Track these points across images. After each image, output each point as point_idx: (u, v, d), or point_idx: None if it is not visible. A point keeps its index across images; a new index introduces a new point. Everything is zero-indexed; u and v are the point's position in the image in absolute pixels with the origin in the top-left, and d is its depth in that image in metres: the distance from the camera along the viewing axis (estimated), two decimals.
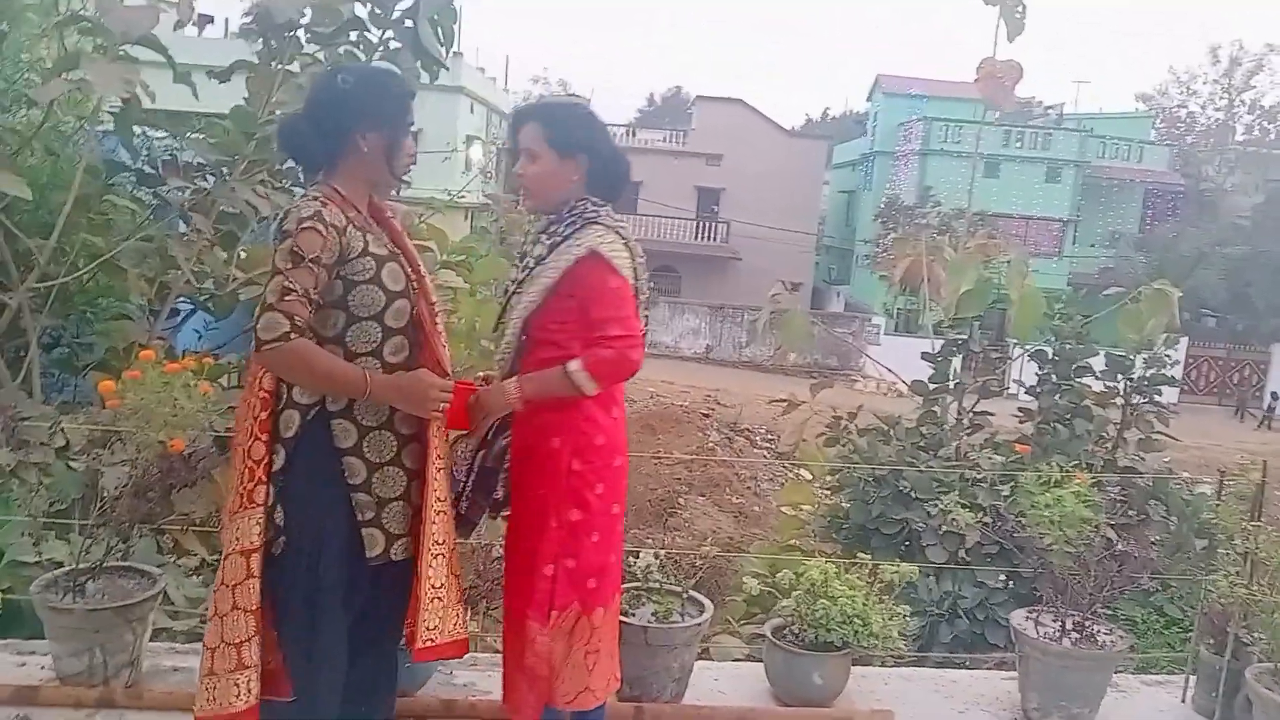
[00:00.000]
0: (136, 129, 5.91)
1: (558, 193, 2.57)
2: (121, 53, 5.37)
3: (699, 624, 3.08)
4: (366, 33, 6.14)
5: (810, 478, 7.35)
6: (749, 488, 17.73)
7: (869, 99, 38.40)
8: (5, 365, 5.72)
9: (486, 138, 28.86)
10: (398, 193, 2.85)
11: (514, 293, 2.55)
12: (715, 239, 34.63)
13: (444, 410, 2.32)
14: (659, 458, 17.08)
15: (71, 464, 5.16)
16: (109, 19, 5.37)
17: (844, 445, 6.65)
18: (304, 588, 2.26)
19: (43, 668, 2.82)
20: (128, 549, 2.91)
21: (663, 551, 3.34)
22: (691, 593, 3.18)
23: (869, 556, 3.74)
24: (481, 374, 2.68)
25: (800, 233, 33.28)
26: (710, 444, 19.72)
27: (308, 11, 6.11)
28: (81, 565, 2.84)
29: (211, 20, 6.65)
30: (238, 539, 2.23)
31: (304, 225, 2.18)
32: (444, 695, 3.03)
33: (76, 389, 6.30)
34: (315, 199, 2.25)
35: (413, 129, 2.42)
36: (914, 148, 32.14)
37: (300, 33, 6.16)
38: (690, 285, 33.35)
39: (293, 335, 2.14)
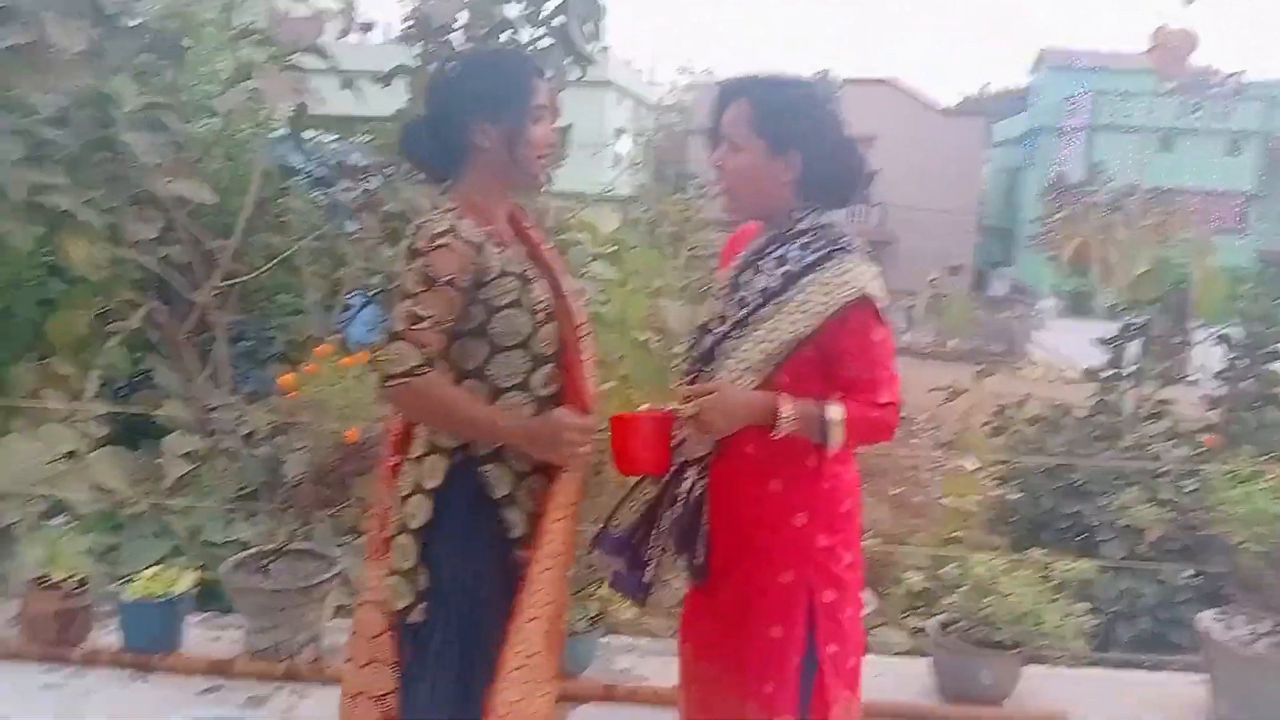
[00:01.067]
0: (307, 134, 6.21)
1: (766, 196, 2.04)
2: (291, 62, 5.66)
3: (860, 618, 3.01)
4: (518, 33, 6.26)
5: (974, 468, 7.11)
6: (908, 477, 17.28)
7: (1031, 73, 36.80)
8: (197, 358, 6.12)
9: (634, 130, 29.07)
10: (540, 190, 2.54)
11: (725, 334, 2.02)
12: (870, 222, 33.89)
13: (583, 454, 1.95)
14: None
15: (255, 451, 5.50)
16: (278, 31, 5.66)
17: (1011, 435, 6.41)
18: (455, 663, 1.96)
19: (235, 641, 3.01)
20: (308, 532, 3.06)
21: None
22: None
23: (1039, 551, 3.59)
24: (674, 406, 2.07)
25: (959, 214, 32.21)
26: None
27: (463, 15, 6.29)
28: (267, 547, 3.00)
29: (373, 26, 6.93)
30: (373, 589, 2.06)
31: (437, 242, 1.87)
32: (605, 679, 3.07)
33: (258, 381, 6.69)
34: (449, 211, 1.93)
35: (546, 114, 2.02)
36: (1081, 122, 30.65)
37: (456, 35, 6.34)
38: None
39: (421, 369, 1.86)
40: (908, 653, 3.81)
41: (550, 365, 2.01)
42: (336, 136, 6.79)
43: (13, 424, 5.07)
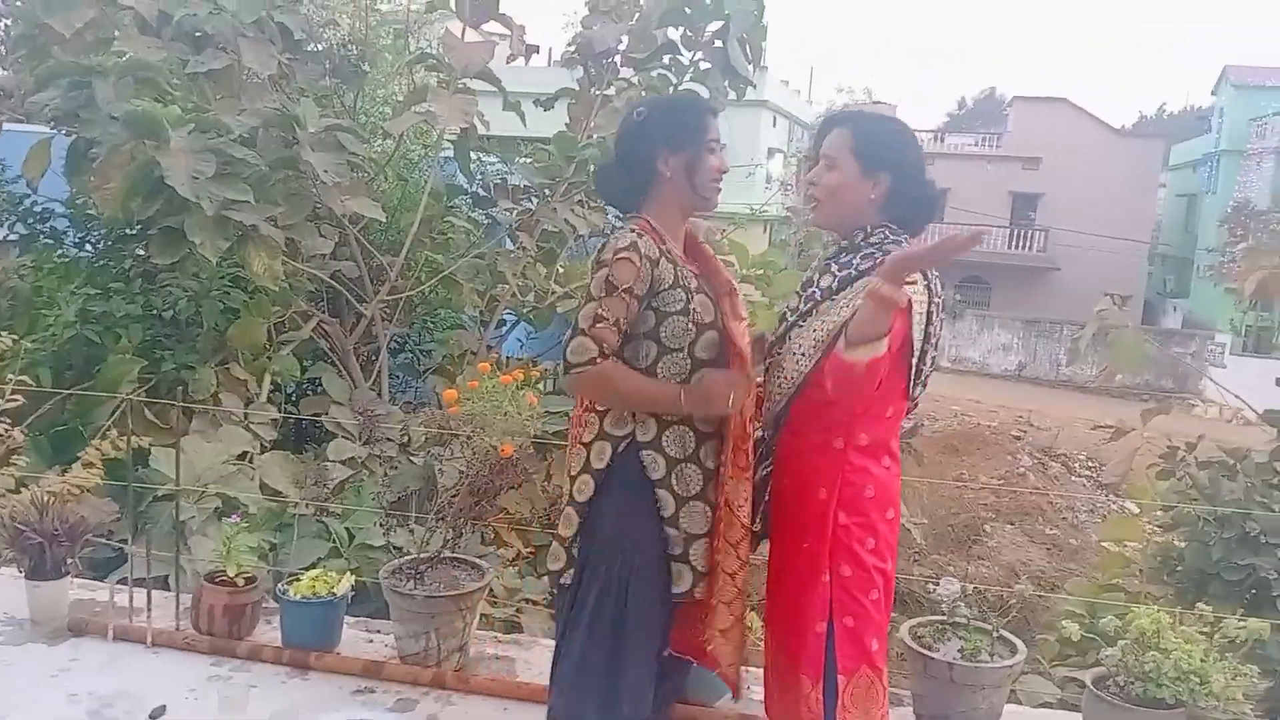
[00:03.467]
0: (472, 155, 6.46)
1: (851, 210, 2.33)
2: (461, 85, 5.91)
3: (1010, 666, 2.90)
4: (679, 56, 6.35)
5: (1138, 512, 6.74)
6: (1064, 519, 16.53)
7: (1214, 92, 34.71)
8: (359, 368, 6.43)
9: (789, 150, 28.93)
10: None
11: (793, 324, 2.35)
12: (1031, 248, 32.64)
13: (736, 399, 2.22)
14: (963, 483, 16.31)
15: (413, 459, 5.73)
16: (451, 56, 5.92)
17: (1180, 479, 6.05)
18: (608, 624, 2.23)
19: (387, 645, 3.14)
20: (458, 541, 3.17)
21: (969, 584, 3.18)
22: (1003, 632, 3.00)
23: (1206, 604, 3.38)
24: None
25: (1130, 241, 30.66)
26: (1021, 469, 18.58)
27: (624, 39, 6.43)
28: (422, 554, 3.12)
29: (538, 50, 7.16)
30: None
31: (619, 255, 2.18)
32: (741, 710, 3.05)
33: (418, 391, 6.96)
34: (632, 230, 2.23)
35: (719, 145, 2.32)
36: (1270, 145, 28.68)
37: (617, 59, 6.49)
38: (1002, 297, 31.63)
39: (599, 360, 2.15)
40: (1059, 705, 3.64)
41: (709, 367, 2.28)
42: (499, 158, 7.02)
43: (194, 424, 5.42)
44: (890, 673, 2.57)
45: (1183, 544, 5.70)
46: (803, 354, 2.28)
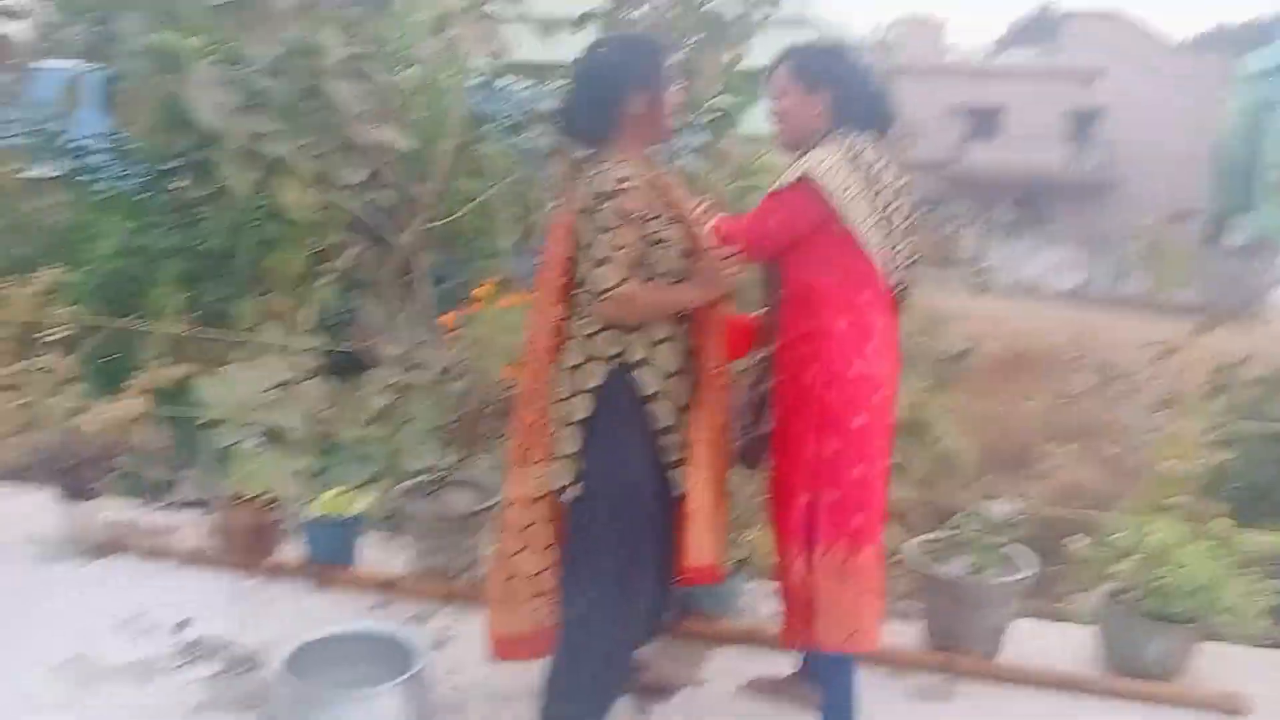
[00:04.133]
0: (502, 81, 6.39)
1: (804, 127, 2.57)
2: (486, 11, 5.83)
3: (1014, 581, 2.90)
4: None
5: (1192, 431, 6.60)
6: (1123, 438, 16.25)
7: None
8: (399, 298, 6.49)
9: None
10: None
11: None
12: (1090, 165, 31.64)
13: (733, 277, 2.43)
14: (1017, 401, 16.07)
15: (451, 386, 5.80)
16: None
17: (1231, 396, 5.91)
18: (616, 530, 2.37)
19: (404, 562, 3.23)
20: (467, 462, 3.23)
21: (1019, 503, 3.16)
22: (1016, 546, 2.99)
23: (1260, 524, 3.30)
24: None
25: (1192, 157, 29.56)
26: (1078, 389, 18.27)
27: None
28: (431, 475, 3.19)
29: None
30: (522, 486, 2.44)
31: (624, 184, 2.30)
32: (747, 624, 3.10)
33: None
34: (620, 163, 2.35)
35: (674, 81, 2.47)
36: None
37: None
38: (1061, 216, 30.80)
39: (623, 283, 2.29)
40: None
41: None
42: (530, 83, 6.94)
43: (234, 355, 5.53)
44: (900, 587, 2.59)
45: (1234, 461, 5.59)
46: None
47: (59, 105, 5.74)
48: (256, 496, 3.25)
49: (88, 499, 3.24)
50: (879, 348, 2.47)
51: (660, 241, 2.36)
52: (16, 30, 6.05)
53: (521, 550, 2.44)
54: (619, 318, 2.37)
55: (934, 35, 31.84)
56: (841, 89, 2.53)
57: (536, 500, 2.43)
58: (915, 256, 2.54)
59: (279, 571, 3.16)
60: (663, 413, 2.38)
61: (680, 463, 2.40)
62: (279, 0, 5.42)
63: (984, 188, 28.97)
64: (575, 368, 2.40)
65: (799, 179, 2.42)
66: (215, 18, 5.57)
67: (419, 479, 3.27)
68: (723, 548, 2.54)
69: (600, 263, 2.30)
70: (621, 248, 2.29)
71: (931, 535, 3.13)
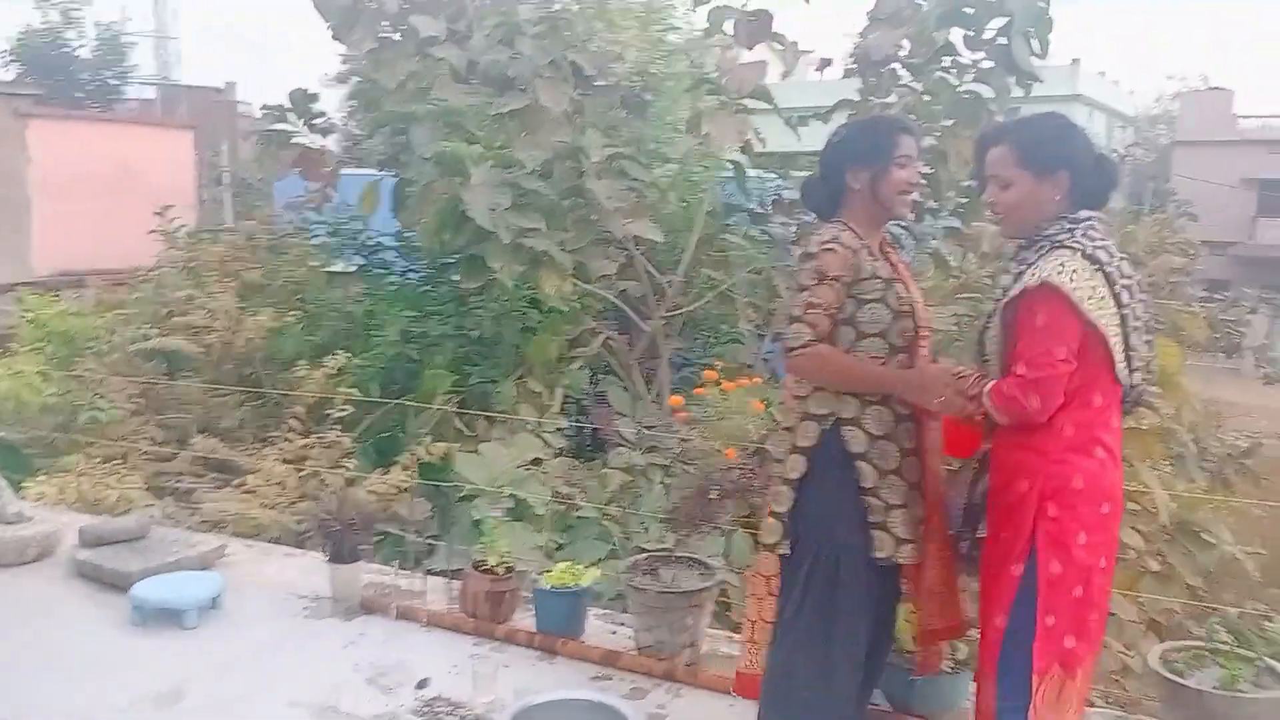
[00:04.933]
0: (751, 173, 6.58)
1: (1036, 216, 2.34)
2: (738, 106, 6.06)
3: (1268, 698, 2.57)
4: (958, 57, 6.14)
5: None
6: None
7: None
8: (643, 381, 6.74)
9: (1108, 143, 26.69)
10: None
11: (985, 326, 2.40)
12: None
13: (945, 402, 2.31)
14: None
15: (687, 467, 5.93)
16: (728, 78, 6.09)
17: None
18: (820, 585, 2.38)
19: (628, 637, 3.31)
20: (688, 541, 3.28)
21: None
22: (1271, 661, 2.67)
23: None
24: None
25: None
26: None
27: (905, 44, 6.30)
28: (657, 551, 3.26)
29: (830, 63, 7.17)
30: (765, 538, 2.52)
31: (825, 246, 2.37)
32: None
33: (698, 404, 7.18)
34: (833, 227, 2.44)
35: (909, 159, 2.46)
36: None
37: (897, 66, 6.37)
38: None
39: (814, 343, 2.33)
40: None
41: (902, 354, 2.44)
42: (776, 174, 7.10)
43: (494, 432, 5.92)
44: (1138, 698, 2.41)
45: None
46: (992, 353, 2.33)
47: (359, 208, 6.45)
48: (497, 565, 3.44)
49: (352, 561, 3.56)
50: (1107, 458, 2.27)
51: (874, 302, 2.38)
52: (326, 142, 6.90)
53: (767, 596, 2.54)
54: (808, 377, 2.42)
55: (1223, 105, 29.51)
56: (1075, 170, 2.29)
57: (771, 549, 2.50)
58: (1151, 360, 2.35)
59: (512, 637, 3.32)
60: (866, 472, 2.37)
61: (882, 525, 2.38)
62: (551, 107, 5.90)
63: (1276, 269, 26.22)
64: (792, 427, 2.46)
65: (1040, 286, 2.17)
66: (494, 126, 6.12)
67: (644, 555, 3.35)
68: (952, 626, 2.53)
69: (793, 320, 2.36)
70: (815, 306, 2.33)
71: (1178, 643, 2.85)
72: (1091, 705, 2.77)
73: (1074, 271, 2.18)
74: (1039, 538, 2.21)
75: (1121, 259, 2.28)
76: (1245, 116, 29.98)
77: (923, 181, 2.56)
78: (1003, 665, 2.25)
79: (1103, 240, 2.26)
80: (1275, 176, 27.83)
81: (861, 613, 2.39)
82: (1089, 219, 2.29)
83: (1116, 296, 2.21)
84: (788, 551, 2.44)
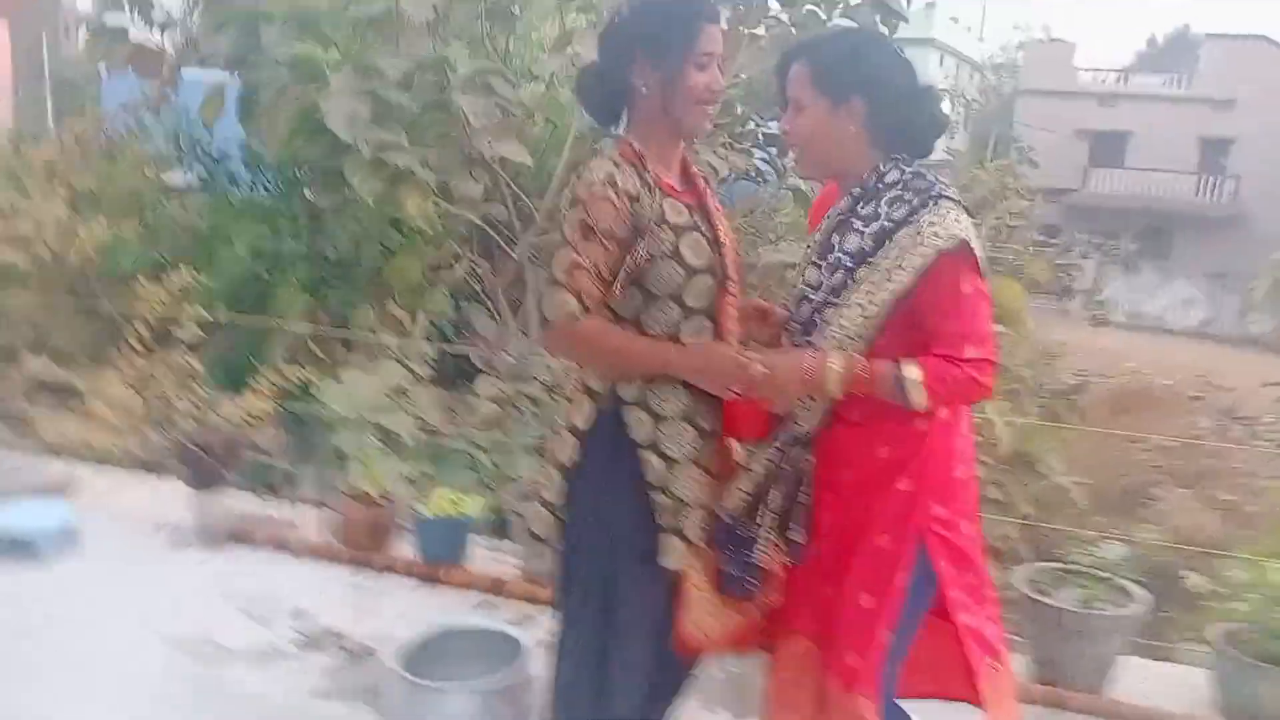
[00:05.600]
0: None
1: (836, 151, 1.95)
2: None
3: (1124, 615, 2.82)
4: None
5: None
6: (1243, 484, 15.54)
7: None
8: (509, 309, 6.65)
9: (955, 90, 27.78)
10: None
11: (825, 301, 1.94)
12: (1220, 197, 30.41)
13: (737, 391, 1.91)
14: (1134, 439, 15.51)
15: (555, 399, 5.92)
16: None
17: None
18: (599, 598, 1.99)
19: (511, 565, 3.32)
20: None
21: (1123, 542, 3.07)
22: (1124, 580, 2.91)
23: None
24: None
25: None
26: (1199, 430, 17.53)
27: None
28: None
29: None
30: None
31: (594, 192, 1.87)
32: None
33: None
34: (609, 159, 1.92)
35: (711, 59, 1.93)
36: None
37: None
38: (1185, 249, 29.64)
39: (581, 315, 1.89)
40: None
41: (701, 318, 1.98)
42: None
43: (353, 358, 5.74)
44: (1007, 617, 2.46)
45: None
46: (846, 336, 1.89)
47: (203, 112, 6.03)
48: (374, 495, 3.37)
49: (214, 490, 3.41)
50: (970, 432, 2.01)
51: (665, 256, 1.91)
52: (164, 39, 6.40)
53: None
54: (569, 359, 2.03)
55: (1064, 57, 31.02)
56: (877, 97, 1.91)
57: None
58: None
59: (392, 567, 3.28)
60: (653, 464, 1.96)
61: (675, 529, 1.97)
62: (413, 14, 5.64)
63: (1106, 217, 28.13)
64: (570, 400, 2.06)
65: (959, 247, 1.82)
66: (352, 31, 5.81)
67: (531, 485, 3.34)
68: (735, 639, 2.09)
69: (552, 282, 1.91)
70: (581, 268, 1.87)
71: (1042, 565, 3.07)
72: None
73: (968, 228, 1.85)
74: (929, 542, 1.91)
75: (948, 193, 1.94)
76: (1084, 69, 31.60)
77: (724, 88, 2.11)
78: (888, 685, 1.95)
79: (953, 189, 1.94)
80: (1107, 128, 29.57)
81: (644, 633, 1.99)
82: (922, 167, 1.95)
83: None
84: (559, 546, 2.06)
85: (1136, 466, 15.29)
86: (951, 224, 1.83)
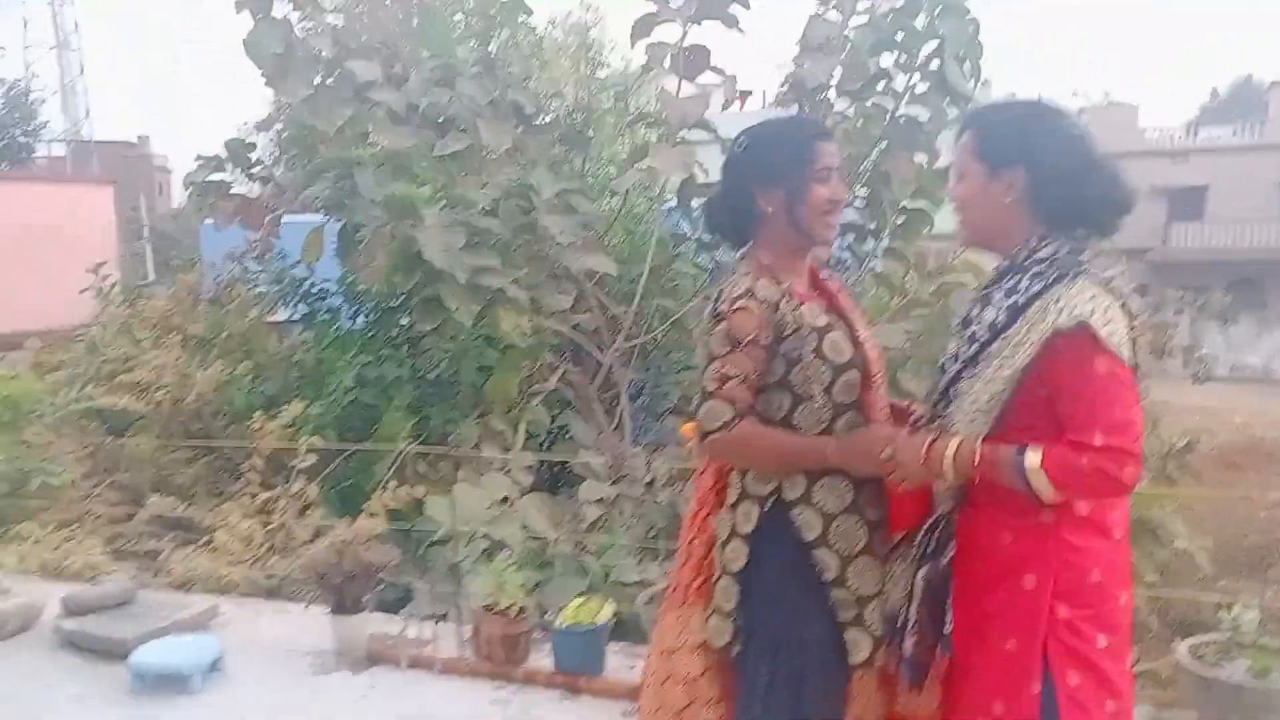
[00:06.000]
0: (695, 203, 6.71)
1: (990, 221, 1.91)
2: (680, 139, 6.18)
3: None
4: (892, 83, 6.36)
5: None
6: None
7: None
8: (603, 413, 6.77)
9: None
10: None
11: (958, 373, 1.89)
12: None
13: (892, 463, 1.89)
14: (1251, 498, 14.89)
15: (658, 497, 5.98)
16: (668, 111, 6.21)
17: None
18: (784, 698, 1.98)
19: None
20: None
21: (1260, 606, 2.96)
22: None
23: None
24: None
25: None
26: None
27: (837, 71, 6.50)
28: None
29: (750, 94, 7.35)
30: (688, 632, 2.14)
31: (736, 306, 1.97)
32: None
33: (657, 432, 7.25)
34: (745, 274, 2.03)
35: (830, 172, 2.04)
36: None
37: (831, 94, 6.56)
38: (1278, 296, 28.79)
39: (736, 421, 1.96)
40: None
41: (852, 412, 2.04)
42: None
43: (459, 473, 5.89)
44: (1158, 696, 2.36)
45: None
46: (977, 410, 1.83)
47: (305, 254, 6.37)
48: (509, 607, 3.44)
49: (355, 612, 3.52)
50: (1124, 537, 1.87)
51: (808, 358, 1.98)
52: (264, 190, 6.81)
53: (688, 706, 2.13)
54: (732, 463, 2.06)
55: (1127, 118, 30.80)
56: (1038, 168, 1.84)
57: (702, 648, 2.11)
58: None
59: (532, 679, 3.32)
60: (828, 562, 1.99)
61: (855, 622, 1.99)
62: (494, 146, 5.94)
63: (1192, 272, 27.53)
64: (733, 506, 2.08)
65: (1076, 327, 1.71)
66: (439, 167, 6.14)
67: (661, 587, 3.38)
68: None
69: (706, 397, 1.98)
70: (731, 379, 1.95)
71: (1203, 638, 2.94)
72: None
73: (1106, 309, 1.73)
74: (1050, 646, 1.78)
75: (1133, 290, 1.83)
76: (1150, 129, 31.38)
77: (848, 195, 2.18)
78: None
79: (1115, 268, 1.83)
80: (1181, 184, 29.19)
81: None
82: (1091, 242, 1.86)
83: (1134, 340, 1.78)
84: (740, 651, 2.05)
85: (1259, 525, 14.67)
86: (1081, 303, 1.72)
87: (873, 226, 6.59)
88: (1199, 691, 2.75)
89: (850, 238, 6.84)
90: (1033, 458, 1.71)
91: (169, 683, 3.37)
